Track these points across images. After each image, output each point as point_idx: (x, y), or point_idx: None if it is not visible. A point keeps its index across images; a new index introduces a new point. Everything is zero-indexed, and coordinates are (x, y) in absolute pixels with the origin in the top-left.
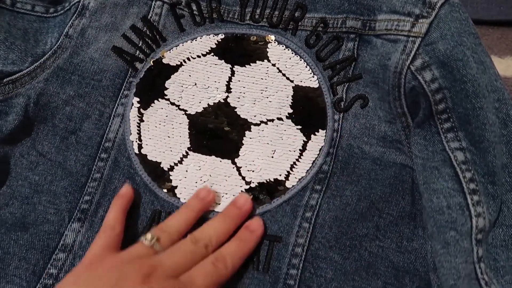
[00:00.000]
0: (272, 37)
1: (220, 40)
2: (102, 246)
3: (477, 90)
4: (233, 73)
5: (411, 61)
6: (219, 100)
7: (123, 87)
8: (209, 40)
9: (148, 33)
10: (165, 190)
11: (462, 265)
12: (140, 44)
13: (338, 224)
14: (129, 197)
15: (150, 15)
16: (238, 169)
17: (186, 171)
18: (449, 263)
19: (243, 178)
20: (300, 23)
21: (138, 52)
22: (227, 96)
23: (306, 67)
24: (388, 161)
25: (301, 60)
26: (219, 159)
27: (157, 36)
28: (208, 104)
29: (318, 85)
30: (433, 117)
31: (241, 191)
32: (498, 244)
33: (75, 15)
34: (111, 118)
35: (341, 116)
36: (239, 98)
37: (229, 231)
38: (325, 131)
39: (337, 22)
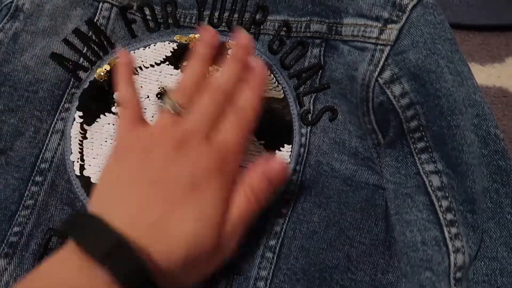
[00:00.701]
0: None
1: (176, 48)
2: (129, 122)
3: (452, 106)
4: None
5: (379, 73)
6: None
7: (64, 100)
8: (164, 48)
9: (94, 38)
10: None
11: None
12: (85, 50)
13: (305, 254)
14: (131, 64)
15: (96, 18)
16: None
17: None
18: None
19: None
20: (262, 27)
21: (82, 59)
22: None
23: (270, 75)
24: (360, 181)
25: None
26: None
27: (105, 42)
28: None
29: (283, 95)
30: (405, 136)
31: None
32: (480, 280)
33: (7, 17)
34: (49, 135)
35: (308, 130)
36: None
37: (240, 71)
38: (291, 146)
39: (301, 26)
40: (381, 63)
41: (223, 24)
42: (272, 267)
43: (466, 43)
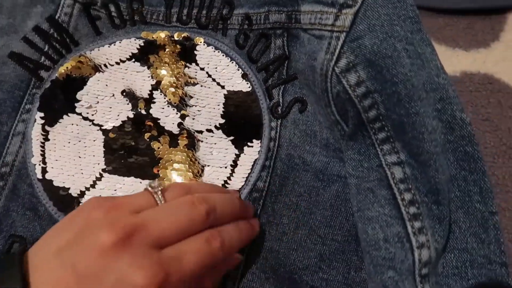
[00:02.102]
0: (201, 39)
1: (142, 45)
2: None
3: (410, 92)
4: (157, 81)
5: (336, 62)
6: (141, 112)
7: (25, 101)
8: (130, 45)
9: (55, 35)
10: None
11: None
12: (46, 48)
13: (275, 256)
14: None
15: (58, 14)
16: None
17: (100, 196)
18: None
19: None
20: (229, 22)
21: (43, 58)
22: (150, 107)
23: (238, 69)
24: (331, 174)
25: (232, 62)
26: (139, 180)
27: (67, 40)
28: (127, 117)
29: (251, 88)
30: (365, 126)
31: None
32: (450, 273)
33: None
34: (10, 138)
35: (279, 123)
36: (163, 108)
37: (234, 213)
38: (259, 141)
39: (260, 17)
40: (337, 51)
41: (192, 21)
42: (241, 267)
43: (450, 28)
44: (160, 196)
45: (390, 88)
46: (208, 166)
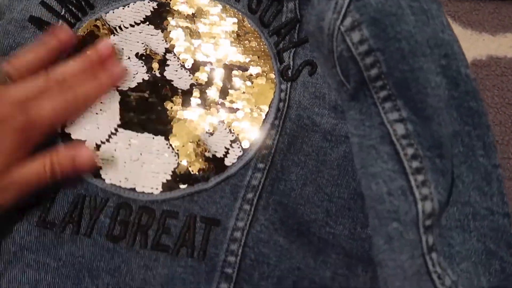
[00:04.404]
0: (219, 5)
1: (156, 7)
2: None
3: (414, 48)
4: (170, 44)
5: (341, 21)
6: (155, 74)
7: None
8: (144, 7)
9: None
10: (94, 172)
11: (408, 262)
12: (63, 12)
13: (283, 208)
14: (62, 42)
15: None
16: (172, 146)
17: (115, 150)
18: (394, 261)
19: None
20: None
21: (61, 22)
22: (164, 70)
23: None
24: (339, 135)
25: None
26: (151, 135)
27: (83, 3)
28: (143, 79)
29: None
30: (367, 85)
31: (174, 168)
32: (452, 225)
33: None
34: None
35: (289, 86)
36: (176, 71)
37: (86, 71)
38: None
39: None
40: (343, 10)
41: None
42: (250, 218)
43: (476, 12)
44: (7, 78)
45: (393, 45)
46: (219, 123)
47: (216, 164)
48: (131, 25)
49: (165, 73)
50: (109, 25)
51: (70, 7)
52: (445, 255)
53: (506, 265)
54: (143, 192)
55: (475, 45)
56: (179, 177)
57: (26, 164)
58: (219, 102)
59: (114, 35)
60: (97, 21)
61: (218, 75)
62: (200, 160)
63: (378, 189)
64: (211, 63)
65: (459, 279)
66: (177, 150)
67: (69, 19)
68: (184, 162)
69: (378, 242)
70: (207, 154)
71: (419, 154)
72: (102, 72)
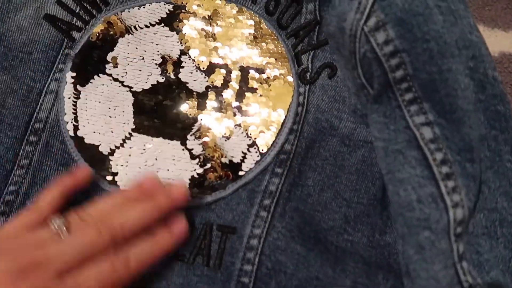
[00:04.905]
0: (236, 7)
1: (172, 9)
2: (16, 227)
3: (443, 49)
4: (185, 46)
5: (365, 21)
6: (170, 77)
7: (58, 60)
8: (159, 9)
9: None
10: (108, 178)
11: (442, 272)
12: (78, 10)
13: (300, 215)
14: (79, 181)
15: None
16: (190, 151)
17: (129, 155)
18: (426, 271)
19: (196, 159)
20: None
21: (75, 19)
22: (179, 72)
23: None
24: (358, 140)
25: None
26: (167, 140)
27: (98, 0)
28: (157, 81)
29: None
30: (391, 87)
31: (192, 176)
32: (479, 232)
33: None
34: (42, 95)
35: (307, 89)
36: (191, 73)
37: (148, 223)
38: (288, 104)
39: None
40: (367, 10)
41: None
42: (266, 225)
43: (489, 8)
44: (64, 229)
45: (420, 46)
46: (236, 127)
47: (233, 170)
48: (146, 26)
49: (179, 75)
50: (124, 23)
51: (85, 4)
52: (474, 263)
53: None
54: None
55: (487, 41)
56: (197, 186)
57: None
58: (236, 105)
59: (128, 34)
60: (112, 18)
61: (234, 78)
62: (217, 167)
63: (406, 195)
64: (227, 65)
65: None
66: (194, 156)
67: (84, 16)
68: (200, 170)
69: (408, 252)
70: (223, 159)
71: (448, 159)
72: (163, 230)
